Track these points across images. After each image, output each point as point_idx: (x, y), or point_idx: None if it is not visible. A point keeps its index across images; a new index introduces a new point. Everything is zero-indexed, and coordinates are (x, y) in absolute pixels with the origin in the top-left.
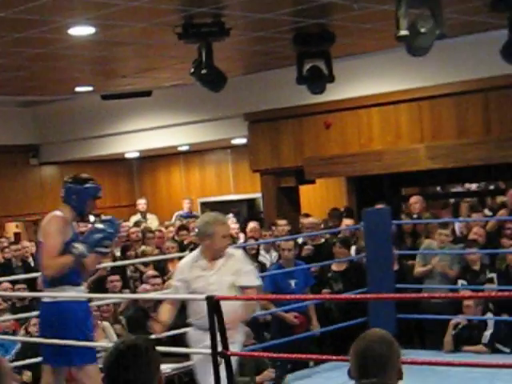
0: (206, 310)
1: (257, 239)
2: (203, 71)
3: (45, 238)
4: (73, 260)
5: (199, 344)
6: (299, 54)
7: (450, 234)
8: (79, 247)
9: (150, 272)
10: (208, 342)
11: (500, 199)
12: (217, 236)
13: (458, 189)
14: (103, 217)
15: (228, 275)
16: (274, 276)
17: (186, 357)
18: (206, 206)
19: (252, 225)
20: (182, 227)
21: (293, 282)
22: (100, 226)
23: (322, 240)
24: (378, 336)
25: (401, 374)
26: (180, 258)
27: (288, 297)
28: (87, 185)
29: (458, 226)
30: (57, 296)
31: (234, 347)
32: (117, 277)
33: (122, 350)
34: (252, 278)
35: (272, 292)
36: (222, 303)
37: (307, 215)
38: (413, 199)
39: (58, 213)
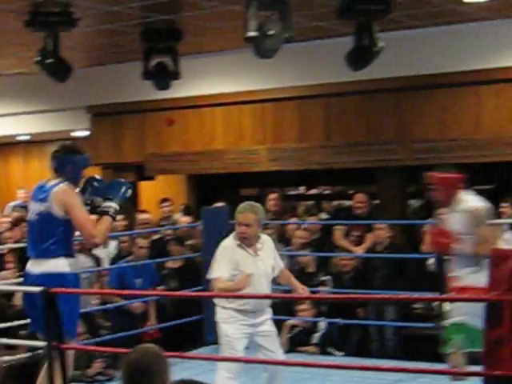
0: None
1: None
2: (48, 61)
3: (73, 210)
4: (111, 221)
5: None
6: (146, 49)
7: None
8: (111, 205)
9: None
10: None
11: (338, 203)
12: (237, 223)
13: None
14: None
15: (270, 258)
16: (122, 272)
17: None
18: None
19: None
20: (21, 219)
21: (138, 281)
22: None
23: (156, 237)
24: (148, 350)
25: None
26: (16, 250)
27: (125, 292)
28: (80, 155)
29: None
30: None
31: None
32: None
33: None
34: (281, 261)
35: (117, 288)
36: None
37: (143, 211)
38: (272, 196)
39: (66, 183)
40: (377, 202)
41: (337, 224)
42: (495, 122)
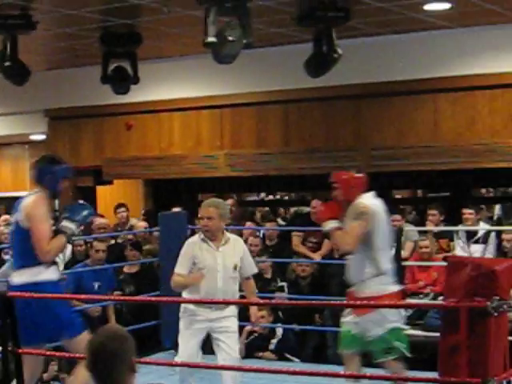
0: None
1: None
2: (6, 63)
3: (34, 222)
4: (66, 240)
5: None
6: (105, 53)
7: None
8: (70, 226)
9: None
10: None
11: (296, 209)
12: (200, 217)
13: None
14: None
15: (234, 257)
16: (79, 275)
17: None
18: (0, 202)
19: None
20: None
21: (96, 284)
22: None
23: (112, 242)
24: (112, 332)
25: (133, 368)
26: None
27: (83, 296)
28: (59, 165)
29: None
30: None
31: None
32: None
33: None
34: (254, 268)
35: (74, 292)
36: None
37: (100, 216)
38: (229, 201)
39: (39, 194)
40: None
41: (294, 230)
42: (453, 129)
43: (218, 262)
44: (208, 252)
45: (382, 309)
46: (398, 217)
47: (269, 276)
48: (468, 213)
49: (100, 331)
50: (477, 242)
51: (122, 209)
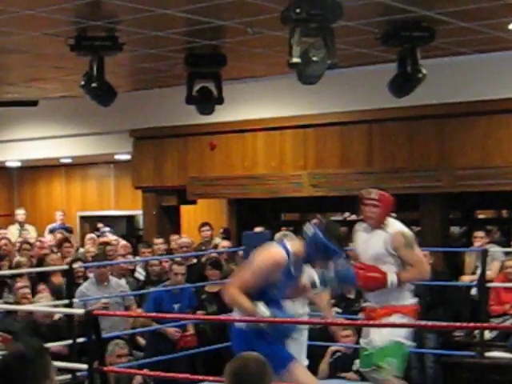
0: None
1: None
2: (93, 85)
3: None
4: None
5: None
6: (190, 73)
7: None
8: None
9: (19, 284)
10: None
11: None
12: None
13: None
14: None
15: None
16: (159, 297)
17: None
18: (85, 220)
19: (123, 242)
20: (64, 240)
21: (176, 306)
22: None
23: (194, 261)
24: (253, 356)
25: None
26: (63, 271)
27: (168, 316)
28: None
29: None
30: None
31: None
32: None
33: (7, 361)
34: None
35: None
36: None
37: (181, 235)
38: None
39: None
40: (419, 228)
41: None
42: None
43: None
44: None
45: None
46: (481, 233)
47: (352, 296)
48: None
49: (241, 355)
50: None
51: (206, 227)
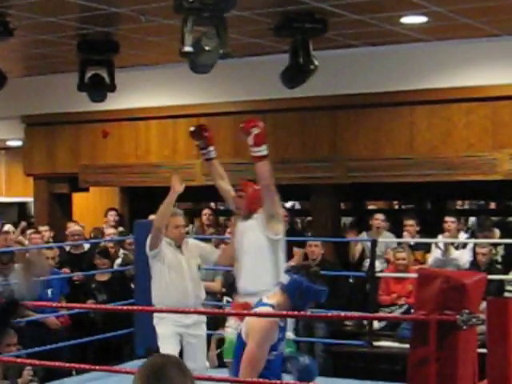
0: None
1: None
2: None
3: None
4: None
5: None
6: (82, 60)
7: None
8: None
9: None
10: None
11: None
12: (169, 226)
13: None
14: None
15: (194, 258)
16: None
17: None
18: None
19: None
20: None
21: (49, 291)
22: None
23: (86, 249)
24: (171, 359)
25: None
26: None
27: (54, 304)
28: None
29: None
30: None
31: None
32: None
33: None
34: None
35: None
36: None
37: (74, 222)
38: (205, 211)
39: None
40: (310, 218)
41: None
42: (428, 142)
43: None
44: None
45: None
46: (451, 219)
47: None
48: (450, 221)
49: (155, 358)
50: (456, 248)
51: (113, 212)
